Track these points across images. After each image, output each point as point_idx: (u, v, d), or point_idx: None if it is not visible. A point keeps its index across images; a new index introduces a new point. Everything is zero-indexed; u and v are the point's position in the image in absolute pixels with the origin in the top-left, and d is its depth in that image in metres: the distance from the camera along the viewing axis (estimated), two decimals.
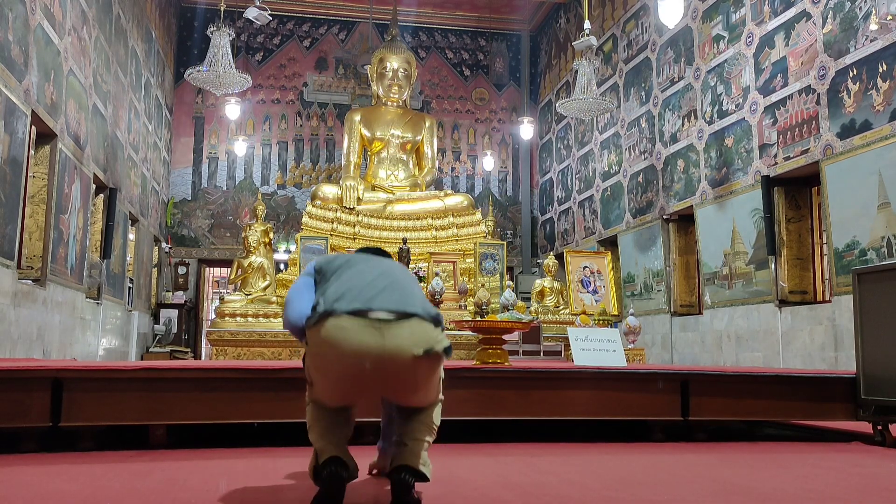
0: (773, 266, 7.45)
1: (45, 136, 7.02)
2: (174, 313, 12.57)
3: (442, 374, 2.33)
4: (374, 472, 2.73)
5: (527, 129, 12.10)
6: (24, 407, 3.30)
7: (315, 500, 2.15)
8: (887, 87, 5.99)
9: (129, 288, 10.62)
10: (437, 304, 8.16)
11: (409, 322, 2.16)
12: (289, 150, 14.25)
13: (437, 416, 2.40)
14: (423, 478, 2.25)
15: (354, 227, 9.07)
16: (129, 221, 10.60)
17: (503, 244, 8.90)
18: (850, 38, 6.43)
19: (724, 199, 8.28)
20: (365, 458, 2.55)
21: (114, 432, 3.62)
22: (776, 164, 7.41)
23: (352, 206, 9.23)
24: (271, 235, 8.42)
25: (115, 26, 9.45)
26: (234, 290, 8.25)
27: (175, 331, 12.46)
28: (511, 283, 8.60)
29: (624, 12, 11.12)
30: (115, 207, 9.18)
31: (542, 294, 8.80)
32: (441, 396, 2.39)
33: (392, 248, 8.82)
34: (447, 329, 7.84)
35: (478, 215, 9.50)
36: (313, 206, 9.26)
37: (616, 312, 7.88)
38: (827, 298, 7.15)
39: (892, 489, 2.74)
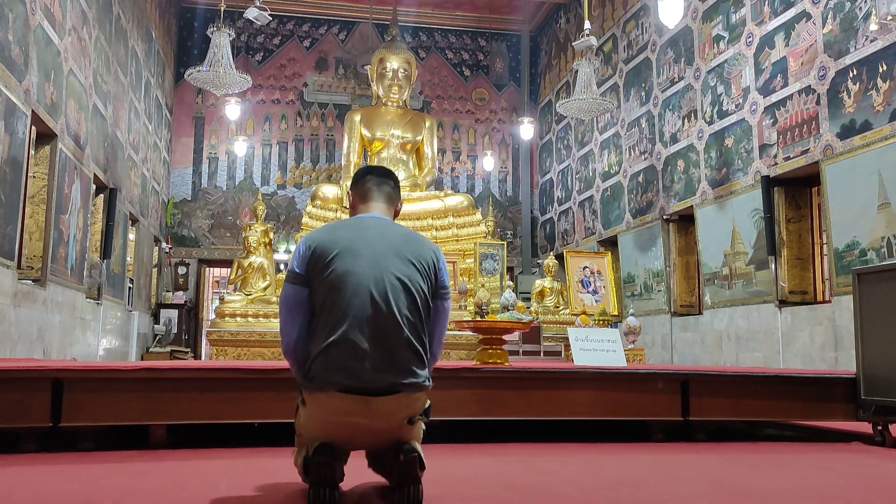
0: (773, 266, 7.45)
1: (45, 137, 7.02)
2: (174, 313, 12.57)
3: (423, 425, 2.43)
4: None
5: (527, 130, 12.11)
6: (24, 407, 3.30)
7: (312, 486, 2.21)
8: (887, 88, 5.99)
9: (130, 288, 10.62)
10: None
11: (396, 397, 2.24)
12: (289, 150, 14.25)
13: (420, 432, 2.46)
14: (422, 463, 2.29)
15: None
16: (129, 221, 10.60)
17: (503, 244, 8.90)
18: (850, 39, 6.43)
19: (724, 199, 8.28)
20: (359, 458, 2.55)
21: (114, 432, 3.62)
22: (776, 164, 7.41)
23: None
24: (271, 236, 8.43)
25: (116, 26, 9.45)
26: (235, 290, 8.25)
27: (175, 331, 12.46)
28: (511, 283, 8.61)
29: (624, 12, 11.12)
30: (115, 207, 9.18)
31: (542, 294, 8.80)
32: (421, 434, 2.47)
33: None
34: (448, 329, 7.85)
35: (478, 215, 9.49)
36: (313, 207, 9.26)
37: (616, 313, 7.88)
38: (827, 299, 7.14)
39: (892, 489, 2.74)
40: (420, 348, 2.31)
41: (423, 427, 2.45)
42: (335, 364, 2.22)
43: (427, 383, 2.33)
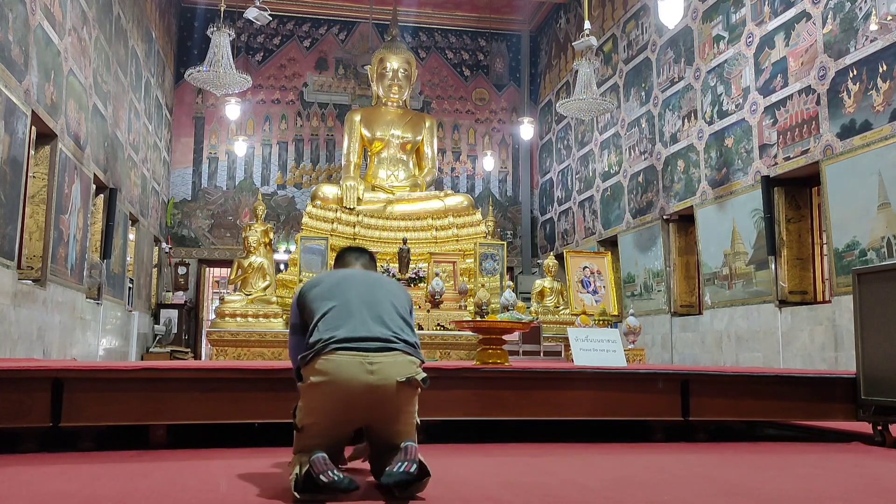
0: (773, 266, 7.45)
1: (45, 137, 7.02)
2: (174, 313, 12.57)
3: (417, 420, 2.55)
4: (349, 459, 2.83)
5: (527, 130, 12.10)
6: (24, 407, 3.30)
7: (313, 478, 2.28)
8: (887, 88, 5.99)
9: (129, 288, 10.62)
10: (436, 304, 8.17)
11: (392, 354, 2.46)
12: (289, 150, 14.25)
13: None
14: (425, 471, 2.34)
15: (354, 227, 9.07)
16: (129, 221, 10.60)
17: (503, 244, 8.90)
18: (850, 39, 6.43)
19: (724, 199, 8.28)
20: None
21: (114, 432, 3.62)
22: (776, 164, 7.41)
23: (352, 207, 9.23)
24: (271, 236, 8.42)
25: (116, 26, 9.45)
26: (235, 290, 8.25)
27: (175, 331, 12.46)
28: (511, 283, 8.61)
29: (624, 12, 11.12)
30: (115, 207, 9.18)
31: (542, 294, 8.80)
32: (416, 424, 2.56)
33: (392, 249, 8.84)
34: (448, 329, 7.86)
35: (478, 215, 9.50)
36: (313, 207, 9.26)
37: (616, 313, 7.89)
38: (827, 299, 7.14)
39: (892, 489, 2.74)
40: (406, 323, 2.60)
41: (418, 422, 2.54)
42: (331, 324, 2.49)
43: (419, 353, 2.55)
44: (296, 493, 2.32)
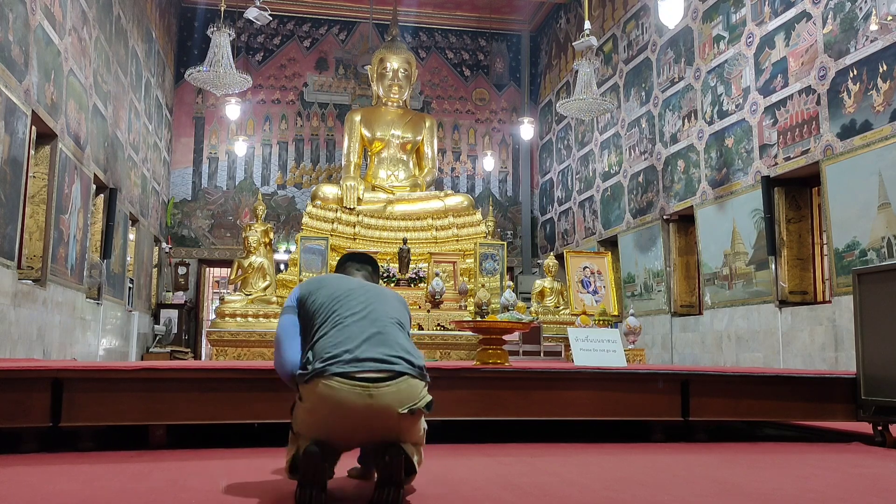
0: (773, 266, 7.45)
1: (45, 137, 7.02)
2: (174, 313, 12.57)
3: (424, 424, 2.45)
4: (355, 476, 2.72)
5: (527, 130, 12.10)
6: (24, 407, 3.30)
7: (299, 486, 2.23)
8: (887, 88, 5.99)
9: (130, 288, 10.62)
10: (436, 304, 8.17)
11: (395, 382, 2.27)
12: (289, 150, 14.25)
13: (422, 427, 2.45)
14: (412, 467, 2.30)
15: (355, 227, 9.08)
16: (130, 221, 10.60)
17: (503, 244, 8.90)
18: (851, 39, 6.43)
19: (724, 199, 8.28)
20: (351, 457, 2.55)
21: (114, 432, 3.62)
22: (776, 164, 7.41)
23: (352, 207, 9.24)
24: (271, 236, 8.43)
25: (116, 27, 9.45)
26: (235, 290, 8.25)
27: (175, 331, 12.46)
28: (511, 283, 8.61)
29: (624, 12, 11.12)
30: (115, 207, 9.18)
31: (542, 294, 8.80)
32: (422, 434, 2.46)
33: (392, 249, 8.84)
34: (448, 329, 7.86)
35: (478, 215, 9.50)
36: (313, 207, 9.26)
37: (616, 313, 7.88)
38: (827, 299, 7.14)
39: (892, 489, 2.74)
40: (409, 341, 2.43)
41: (426, 427, 2.46)
42: (332, 346, 2.31)
43: (425, 374, 2.38)
44: (290, 476, 2.38)
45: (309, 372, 2.29)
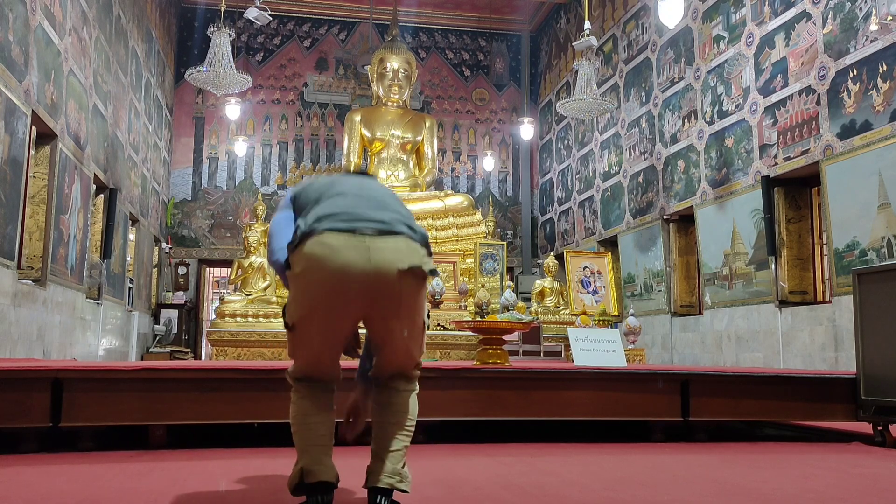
0: (773, 266, 7.45)
1: (45, 137, 7.02)
2: (174, 313, 12.57)
3: (427, 319, 2.26)
4: (350, 419, 2.44)
5: (527, 130, 12.10)
6: (24, 407, 3.30)
7: None
8: (887, 88, 5.99)
9: (130, 288, 10.62)
10: (436, 304, 8.17)
11: (394, 238, 2.10)
12: (289, 150, 14.25)
13: (413, 408, 2.30)
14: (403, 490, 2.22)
15: None
16: (130, 222, 10.60)
17: (503, 244, 8.90)
18: (851, 39, 6.43)
19: (724, 199, 8.28)
20: (361, 459, 2.55)
21: (114, 432, 3.62)
22: (776, 164, 7.41)
23: None
24: None
25: (116, 27, 9.45)
26: (235, 290, 8.25)
27: (175, 331, 12.46)
28: (511, 283, 8.61)
29: (624, 12, 11.12)
30: (115, 208, 9.18)
31: (542, 294, 8.80)
32: (423, 349, 2.30)
33: None
34: (448, 329, 7.86)
35: (478, 216, 9.50)
36: None
37: (616, 313, 7.89)
38: (827, 299, 7.14)
39: (892, 489, 2.74)
40: (411, 215, 2.25)
41: (428, 320, 2.28)
42: (327, 210, 2.13)
43: (428, 244, 2.21)
44: (292, 493, 2.29)
45: (299, 234, 2.10)
